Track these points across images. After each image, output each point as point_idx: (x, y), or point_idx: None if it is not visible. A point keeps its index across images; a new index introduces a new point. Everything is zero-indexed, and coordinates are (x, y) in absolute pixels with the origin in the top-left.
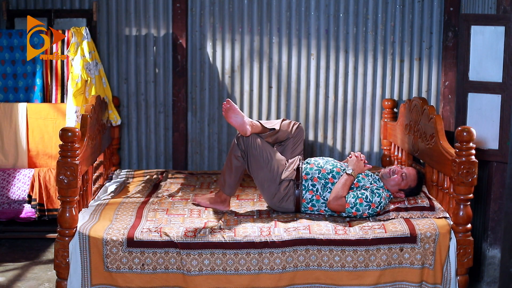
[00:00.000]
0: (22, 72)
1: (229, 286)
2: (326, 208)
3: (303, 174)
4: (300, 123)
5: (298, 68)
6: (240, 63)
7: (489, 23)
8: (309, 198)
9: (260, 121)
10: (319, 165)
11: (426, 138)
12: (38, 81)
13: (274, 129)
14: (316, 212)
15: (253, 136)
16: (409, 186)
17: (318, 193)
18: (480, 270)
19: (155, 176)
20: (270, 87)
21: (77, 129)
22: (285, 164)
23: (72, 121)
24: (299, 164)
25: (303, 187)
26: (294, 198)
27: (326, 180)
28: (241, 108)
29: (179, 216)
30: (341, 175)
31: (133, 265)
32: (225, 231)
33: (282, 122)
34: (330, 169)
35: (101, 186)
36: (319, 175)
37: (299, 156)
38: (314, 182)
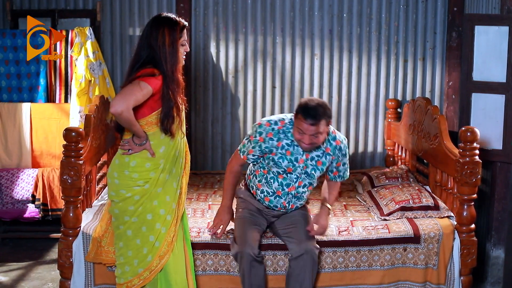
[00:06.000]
0: (26, 72)
1: (232, 286)
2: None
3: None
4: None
5: (302, 68)
6: (244, 63)
7: (493, 23)
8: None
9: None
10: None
11: (429, 138)
12: (42, 81)
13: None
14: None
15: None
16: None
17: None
18: (484, 270)
19: None
20: (273, 87)
21: (81, 129)
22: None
23: (76, 121)
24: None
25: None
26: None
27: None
28: (245, 108)
29: None
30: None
31: None
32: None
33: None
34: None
35: (105, 186)
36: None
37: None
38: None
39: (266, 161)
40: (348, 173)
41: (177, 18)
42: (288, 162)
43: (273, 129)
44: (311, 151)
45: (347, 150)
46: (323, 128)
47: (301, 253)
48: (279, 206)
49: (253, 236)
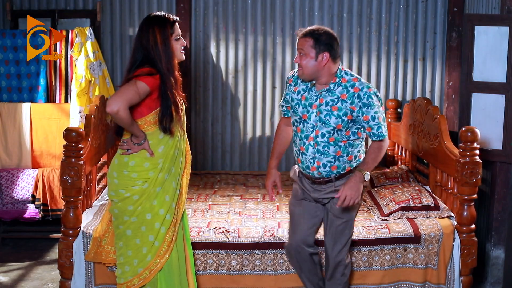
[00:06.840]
0: (26, 72)
1: (233, 286)
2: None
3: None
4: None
5: None
6: (244, 63)
7: (493, 23)
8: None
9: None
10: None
11: (430, 138)
12: (42, 81)
13: None
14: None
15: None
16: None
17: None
18: (484, 270)
19: None
20: (274, 87)
21: (81, 129)
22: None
23: (76, 121)
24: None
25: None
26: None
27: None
28: (245, 108)
29: None
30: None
31: None
32: (229, 231)
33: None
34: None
35: (105, 186)
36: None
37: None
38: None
39: (291, 112)
40: (383, 131)
41: (166, 15)
42: (303, 108)
43: (293, 75)
44: (315, 90)
45: (373, 101)
46: (307, 46)
47: (332, 269)
48: (310, 166)
49: (299, 230)
